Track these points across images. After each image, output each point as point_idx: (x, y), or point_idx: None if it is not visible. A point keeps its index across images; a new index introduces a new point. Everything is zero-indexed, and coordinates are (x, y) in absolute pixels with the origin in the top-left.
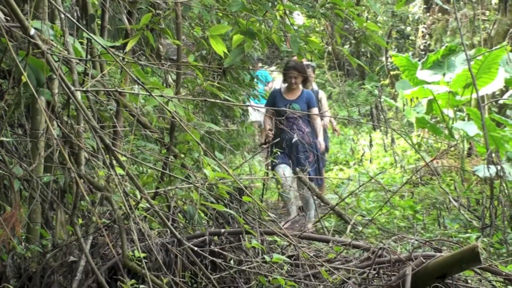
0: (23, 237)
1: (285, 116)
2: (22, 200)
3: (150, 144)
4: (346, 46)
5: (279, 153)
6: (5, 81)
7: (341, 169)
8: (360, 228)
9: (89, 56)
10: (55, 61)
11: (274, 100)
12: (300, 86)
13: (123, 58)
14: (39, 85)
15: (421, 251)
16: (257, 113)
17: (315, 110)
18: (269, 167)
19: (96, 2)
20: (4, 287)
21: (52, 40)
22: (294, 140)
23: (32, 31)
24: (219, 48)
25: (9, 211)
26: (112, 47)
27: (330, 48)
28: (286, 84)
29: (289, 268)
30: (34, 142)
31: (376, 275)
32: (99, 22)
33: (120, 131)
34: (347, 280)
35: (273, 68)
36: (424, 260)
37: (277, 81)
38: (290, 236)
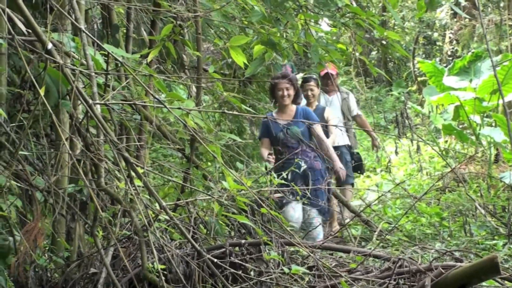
0: (47, 248)
1: (282, 144)
2: (47, 210)
3: (177, 154)
4: (374, 53)
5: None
6: (30, 92)
7: (368, 176)
8: (387, 236)
9: (109, 68)
10: (73, 74)
11: (268, 128)
12: (292, 105)
13: (140, 71)
14: (60, 97)
15: (446, 260)
16: None
17: (318, 128)
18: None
19: (122, 11)
20: None
21: (74, 52)
22: (302, 168)
23: (50, 46)
24: (239, 59)
25: (31, 223)
26: (140, 56)
27: (357, 54)
28: (276, 104)
29: (310, 279)
30: (57, 154)
31: (396, 285)
32: (125, 31)
33: (144, 143)
34: None
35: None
36: (443, 271)
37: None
38: (309, 247)
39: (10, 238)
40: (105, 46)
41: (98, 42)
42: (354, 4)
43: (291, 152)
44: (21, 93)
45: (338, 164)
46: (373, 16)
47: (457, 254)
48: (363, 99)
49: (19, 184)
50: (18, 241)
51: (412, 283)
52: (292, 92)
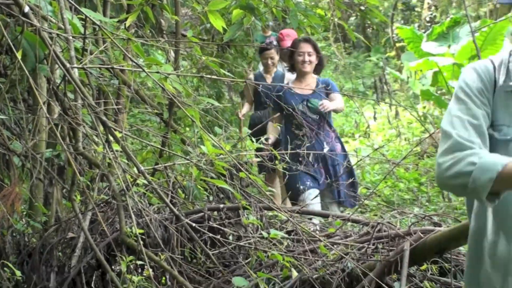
0: (25, 213)
1: (301, 118)
2: (25, 175)
3: (155, 119)
4: (353, 18)
5: (303, 170)
6: (7, 57)
7: (346, 142)
8: (365, 201)
9: (87, 33)
10: (50, 38)
11: (283, 98)
12: (313, 75)
13: (118, 35)
14: (38, 61)
15: (423, 225)
16: None
17: (338, 96)
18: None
19: None
20: (3, 264)
21: (51, 16)
22: (326, 150)
23: (27, 9)
24: (218, 23)
25: (9, 187)
26: (118, 21)
27: (336, 20)
28: (294, 71)
29: (289, 243)
30: (34, 118)
31: (374, 250)
32: None
33: (122, 107)
34: (344, 256)
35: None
36: (422, 235)
37: None
38: (288, 211)
39: None
40: (83, 10)
41: (76, 5)
42: None
43: (311, 127)
44: None
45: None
46: None
47: (435, 219)
48: (341, 65)
49: None
50: None
51: (390, 248)
52: (314, 59)
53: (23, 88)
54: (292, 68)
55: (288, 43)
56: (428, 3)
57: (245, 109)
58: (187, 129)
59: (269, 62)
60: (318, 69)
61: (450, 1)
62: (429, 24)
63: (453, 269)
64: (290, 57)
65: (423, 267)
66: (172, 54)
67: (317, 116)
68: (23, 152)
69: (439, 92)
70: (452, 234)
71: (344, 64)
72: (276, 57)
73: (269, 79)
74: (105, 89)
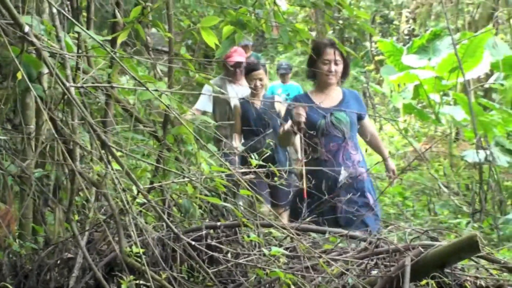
0: (17, 234)
1: (323, 135)
2: (13, 195)
3: (138, 136)
4: (330, 32)
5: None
6: None
7: None
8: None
9: (81, 51)
10: (49, 57)
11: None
12: (337, 86)
13: (115, 53)
14: (31, 80)
15: (419, 240)
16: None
17: (366, 120)
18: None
19: None
20: (4, 286)
21: (43, 35)
22: (341, 178)
23: (27, 28)
24: (211, 39)
25: (4, 208)
26: (109, 40)
27: (314, 34)
28: (316, 80)
29: (286, 261)
30: (26, 138)
31: (374, 265)
32: (85, 14)
33: (112, 125)
34: (346, 272)
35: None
36: (422, 250)
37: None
38: (288, 228)
39: None
40: (81, 28)
41: (76, 22)
42: None
43: (334, 147)
44: None
45: (391, 164)
46: None
47: (431, 233)
48: None
49: None
50: None
51: (391, 263)
52: (340, 68)
53: (10, 108)
54: (312, 77)
55: (235, 59)
56: (407, 16)
57: (237, 141)
58: (175, 148)
59: (258, 83)
60: (343, 78)
61: (428, 14)
62: (407, 37)
63: (453, 283)
64: (312, 64)
65: (422, 282)
66: (158, 70)
67: (340, 134)
68: (18, 173)
69: (420, 105)
70: (453, 248)
71: None
72: (265, 78)
73: (257, 103)
74: (92, 108)
